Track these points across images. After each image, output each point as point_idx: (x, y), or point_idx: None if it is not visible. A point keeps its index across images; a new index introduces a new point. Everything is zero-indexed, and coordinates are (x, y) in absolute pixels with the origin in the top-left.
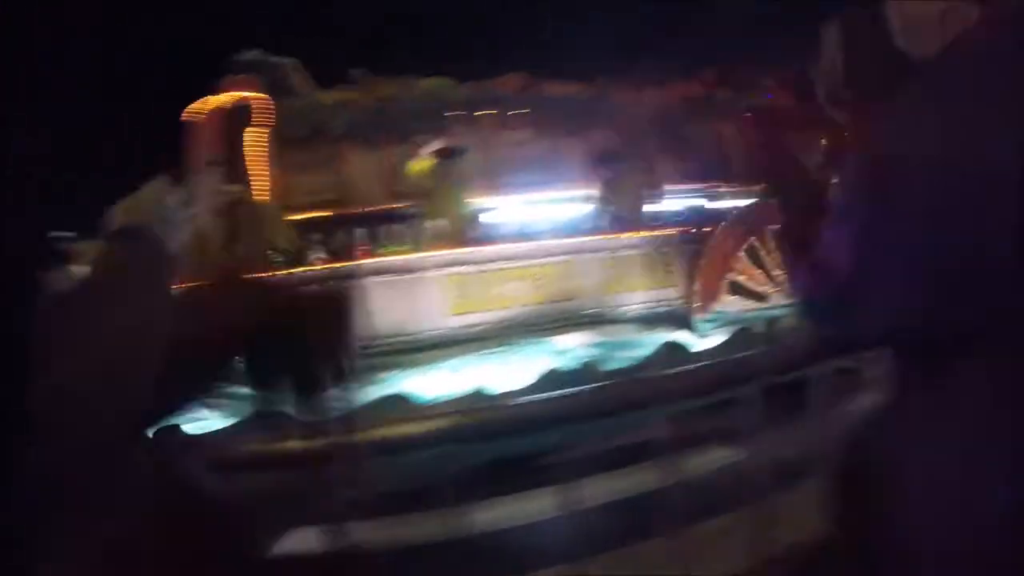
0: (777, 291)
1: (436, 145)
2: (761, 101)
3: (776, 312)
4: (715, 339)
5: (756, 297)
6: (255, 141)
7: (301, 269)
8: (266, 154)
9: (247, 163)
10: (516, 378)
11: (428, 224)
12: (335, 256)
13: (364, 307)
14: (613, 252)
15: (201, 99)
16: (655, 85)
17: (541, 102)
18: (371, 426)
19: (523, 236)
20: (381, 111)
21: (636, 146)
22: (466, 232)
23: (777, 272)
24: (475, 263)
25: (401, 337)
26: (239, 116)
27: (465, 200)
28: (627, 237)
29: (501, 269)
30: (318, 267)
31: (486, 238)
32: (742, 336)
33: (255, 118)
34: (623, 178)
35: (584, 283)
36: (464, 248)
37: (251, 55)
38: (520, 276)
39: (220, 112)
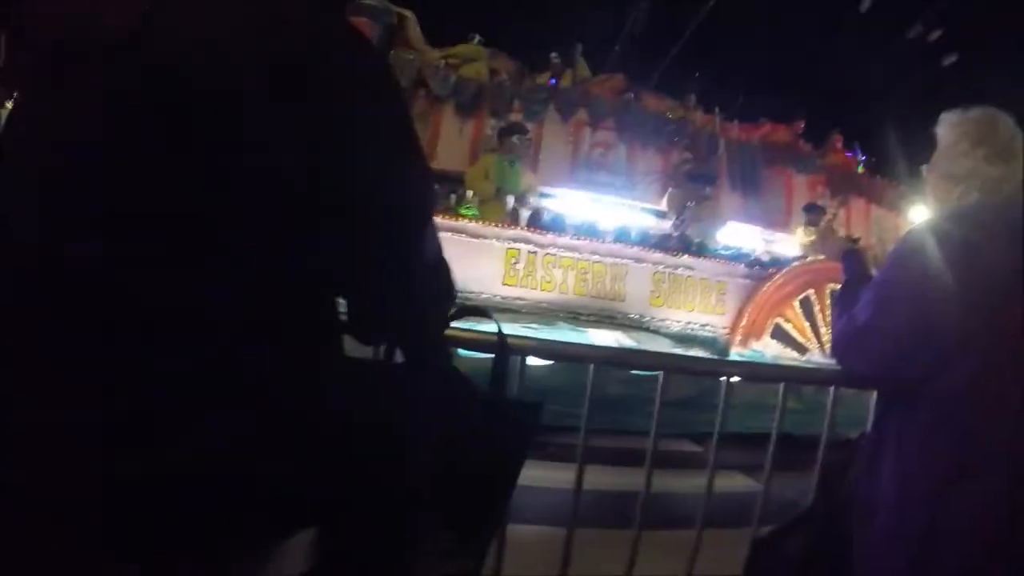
0: (816, 347)
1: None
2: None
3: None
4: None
5: (795, 347)
6: None
7: None
8: None
9: None
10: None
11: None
12: None
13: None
14: (672, 268)
15: None
16: (745, 122)
17: (633, 110)
18: None
19: (585, 233)
20: (483, 82)
21: (717, 175)
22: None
23: (822, 328)
24: (533, 244)
25: (460, 293)
26: None
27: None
28: (688, 258)
29: (554, 256)
30: None
31: (547, 225)
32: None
33: None
34: (703, 202)
35: (633, 289)
36: (524, 230)
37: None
38: (569, 266)
39: None
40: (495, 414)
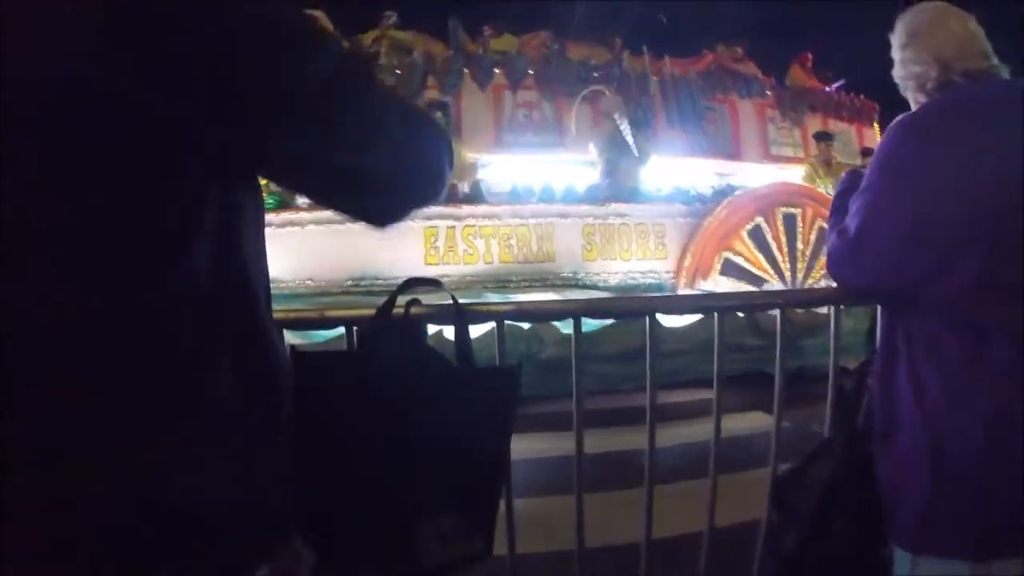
0: (775, 277)
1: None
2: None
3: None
4: (691, 318)
5: (750, 279)
6: None
7: None
8: None
9: None
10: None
11: None
12: None
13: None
14: (602, 219)
15: None
16: (675, 55)
17: (554, 63)
18: None
19: (510, 196)
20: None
21: (646, 114)
22: (453, 187)
23: (778, 256)
24: (450, 218)
25: (380, 280)
26: None
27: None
28: (618, 206)
29: (473, 227)
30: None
31: (467, 197)
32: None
33: None
34: (625, 145)
35: (563, 247)
36: (440, 207)
37: None
38: (491, 234)
39: None
40: (469, 385)
